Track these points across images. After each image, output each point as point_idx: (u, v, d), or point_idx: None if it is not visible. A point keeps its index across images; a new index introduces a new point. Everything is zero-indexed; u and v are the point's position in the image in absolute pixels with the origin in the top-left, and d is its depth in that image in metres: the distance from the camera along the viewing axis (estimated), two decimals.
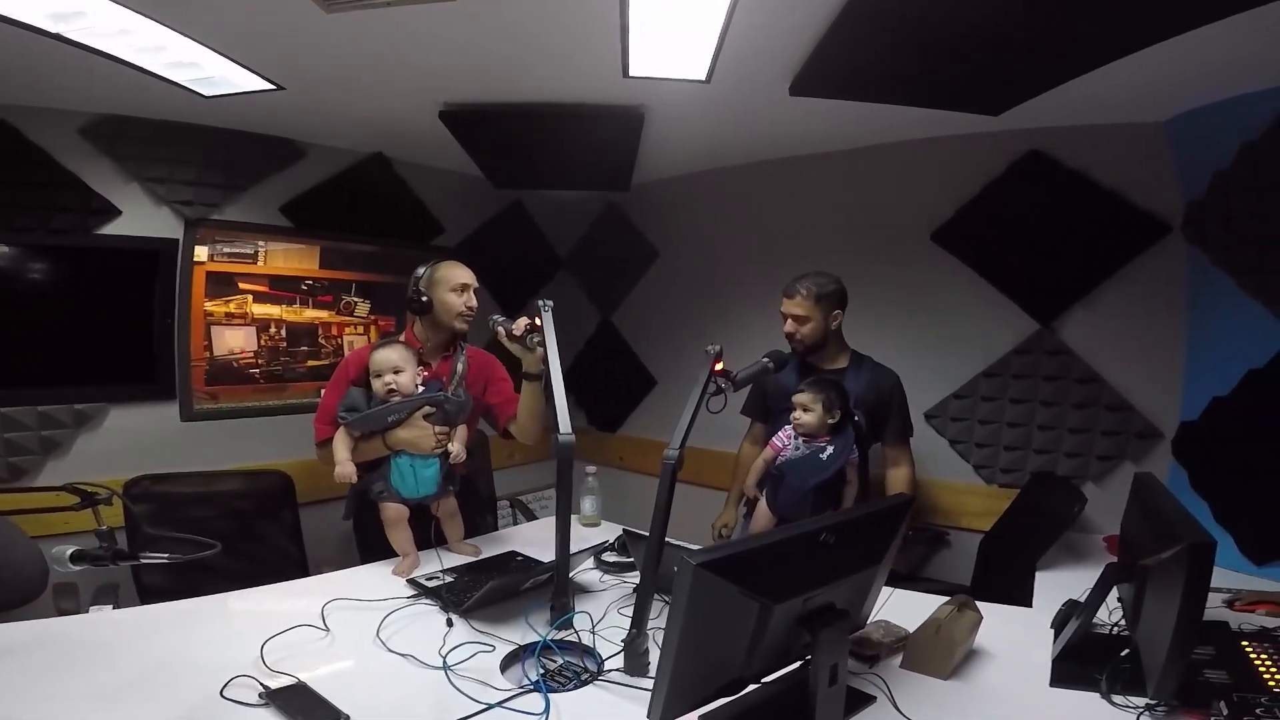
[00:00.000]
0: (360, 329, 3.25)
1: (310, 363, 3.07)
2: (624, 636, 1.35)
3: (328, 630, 1.44)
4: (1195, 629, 1.05)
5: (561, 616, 1.48)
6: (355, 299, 3.22)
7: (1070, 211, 2.47)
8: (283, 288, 2.97)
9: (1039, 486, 2.47)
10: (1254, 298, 2.01)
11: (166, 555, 1.33)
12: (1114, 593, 1.46)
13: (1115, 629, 1.47)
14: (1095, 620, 1.42)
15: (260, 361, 2.93)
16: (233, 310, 2.83)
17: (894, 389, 2.19)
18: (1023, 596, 1.86)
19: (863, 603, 1.34)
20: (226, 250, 2.80)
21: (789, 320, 2.14)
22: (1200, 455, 2.18)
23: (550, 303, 1.70)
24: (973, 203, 2.66)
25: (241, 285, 2.84)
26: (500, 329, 1.80)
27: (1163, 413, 2.35)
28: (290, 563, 2.32)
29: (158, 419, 2.63)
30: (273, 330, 2.95)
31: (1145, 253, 2.37)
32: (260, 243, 2.88)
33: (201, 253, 2.71)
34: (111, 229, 2.49)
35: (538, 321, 1.70)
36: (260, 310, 2.90)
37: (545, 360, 1.65)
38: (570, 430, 1.53)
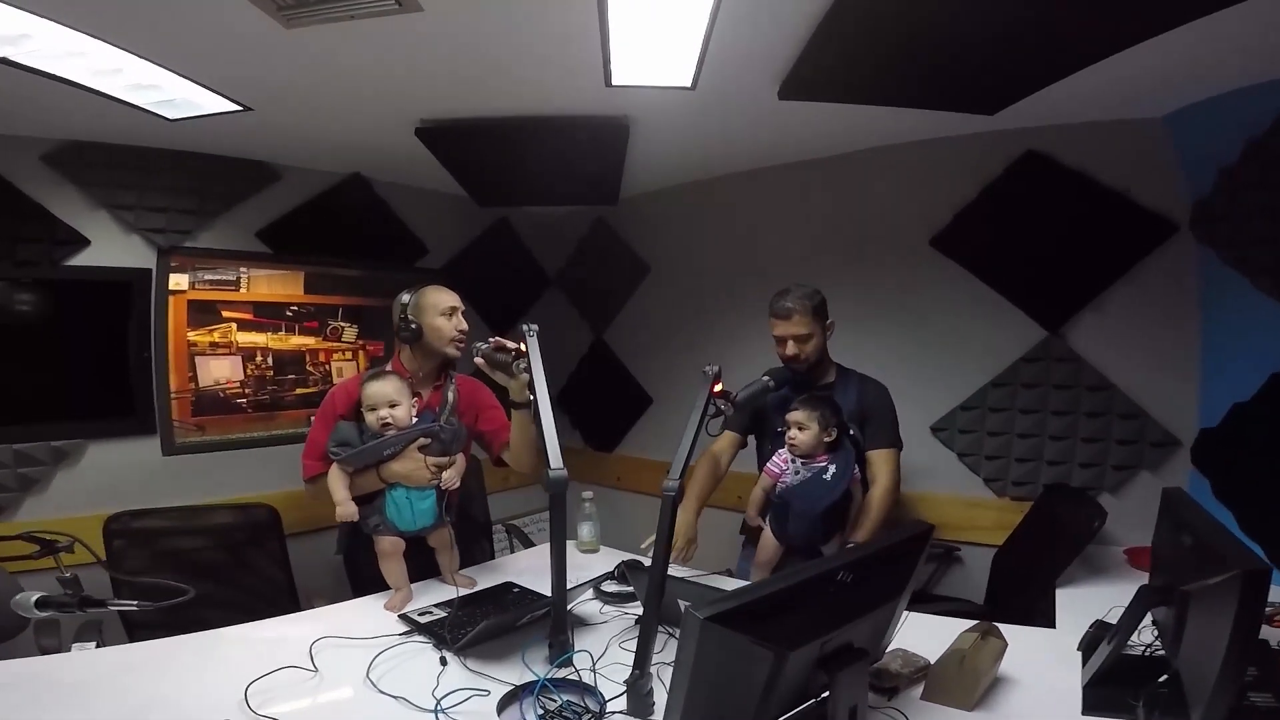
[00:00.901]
0: (349, 354, 3.21)
1: (299, 390, 3.02)
2: (627, 678, 1.26)
3: (316, 670, 1.38)
4: (1248, 658, 0.99)
5: (560, 656, 1.41)
6: (342, 324, 3.18)
7: (1072, 213, 2.40)
8: (267, 315, 2.93)
9: (1053, 498, 2.39)
10: (1272, 297, 1.94)
11: (136, 603, 1.30)
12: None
13: (1147, 651, 1.39)
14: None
15: (247, 391, 2.89)
16: (217, 340, 2.80)
17: (882, 398, 2.08)
18: (1044, 616, 1.79)
19: (882, 638, 1.27)
20: (208, 278, 2.75)
21: (789, 343, 2.00)
22: (1223, 463, 2.10)
23: (535, 327, 1.64)
24: (971, 206, 2.59)
25: (225, 313, 2.80)
26: (480, 359, 1.73)
27: (1180, 420, 2.28)
28: (280, 596, 2.26)
29: (139, 454, 2.57)
30: (259, 359, 2.92)
31: (1153, 253, 2.30)
32: (242, 269, 2.84)
33: (181, 281, 2.67)
34: (80, 260, 2.42)
35: (522, 347, 1.64)
36: (245, 338, 2.86)
37: (532, 387, 1.58)
38: (562, 465, 1.45)
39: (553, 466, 1.44)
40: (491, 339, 1.73)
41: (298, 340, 3.03)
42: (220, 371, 2.81)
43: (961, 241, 2.62)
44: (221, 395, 2.80)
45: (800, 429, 1.86)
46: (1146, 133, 2.26)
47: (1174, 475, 2.28)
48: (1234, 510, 2.01)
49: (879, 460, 2.01)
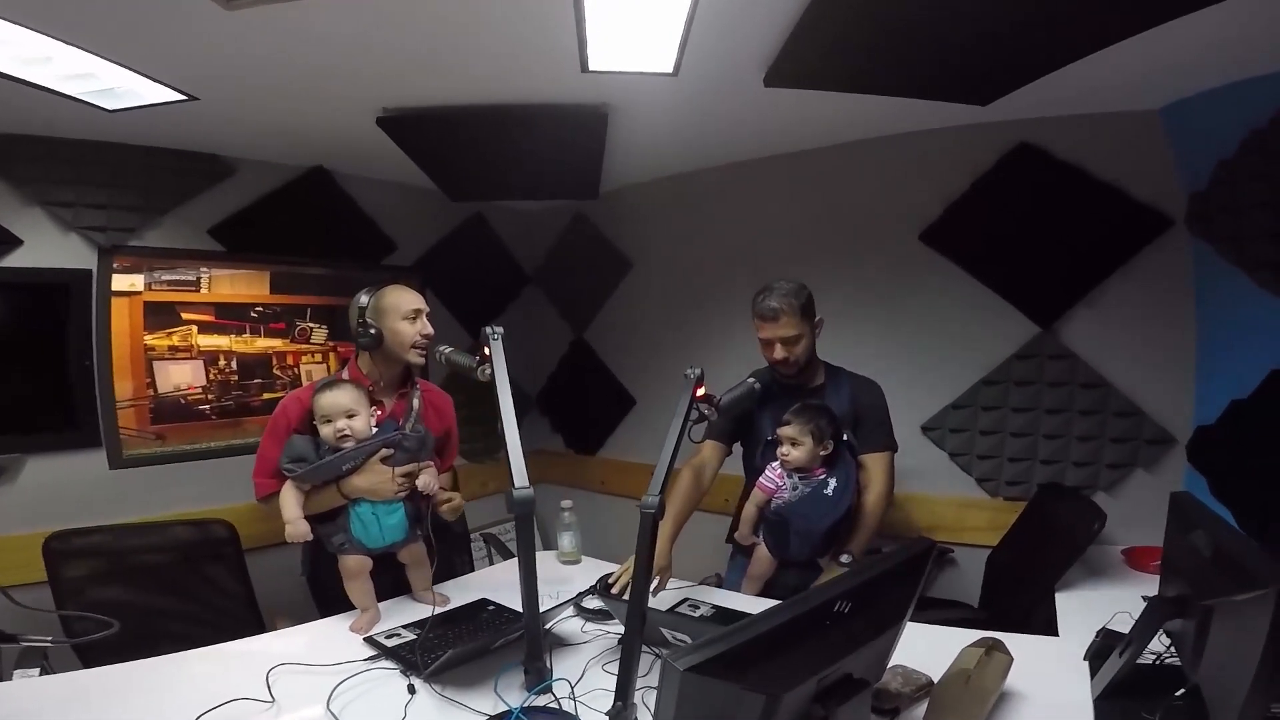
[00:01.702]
0: (318, 357, 3.09)
1: (265, 395, 2.90)
2: (609, 710, 1.18)
3: (273, 700, 1.29)
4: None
5: (537, 685, 1.31)
6: (311, 325, 3.06)
7: (1065, 206, 2.35)
8: (230, 316, 2.81)
9: (1048, 498, 2.34)
10: (1271, 292, 1.90)
11: (50, 639, 1.23)
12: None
13: (1158, 660, 1.35)
14: None
15: (210, 397, 2.77)
16: (176, 343, 2.68)
17: (875, 398, 1.99)
18: (1044, 622, 1.75)
19: (883, 663, 1.18)
20: (166, 278, 2.62)
21: (777, 346, 1.87)
22: (1220, 462, 2.06)
23: (500, 330, 1.54)
24: (962, 200, 2.53)
25: (185, 315, 2.68)
26: (441, 360, 1.66)
27: (1175, 417, 2.24)
28: (241, 617, 2.12)
29: (83, 468, 2.41)
30: (222, 363, 2.80)
31: (1148, 248, 2.25)
32: (204, 269, 2.71)
33: (136, 281, 2.54)
34: (12, 261, 2.24)
35: (486, 351, 1.54)
36: (207, 341, 2.75)
37: (494, 395, 1.47)
38: (527, 483, 1.35)
39: (517, 485, 1.34)
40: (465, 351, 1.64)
41: (264, 343, 2.91)
42: (181, 377, 2.69)
43: (952, 236, 2.56)
44: (183, 401, 2.68)
45: (794, 445, 1.75)
46: (1142, 125, 2.22)
47: (1170, 473, 2.25)
48: (1232, 509, 1.98)
49: (873, 464, 1.92)
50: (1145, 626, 1.26)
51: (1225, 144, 1.99)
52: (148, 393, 2.58)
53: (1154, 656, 1.34)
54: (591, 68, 1.93)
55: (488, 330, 1.55)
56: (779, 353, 1.87)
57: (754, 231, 3.05)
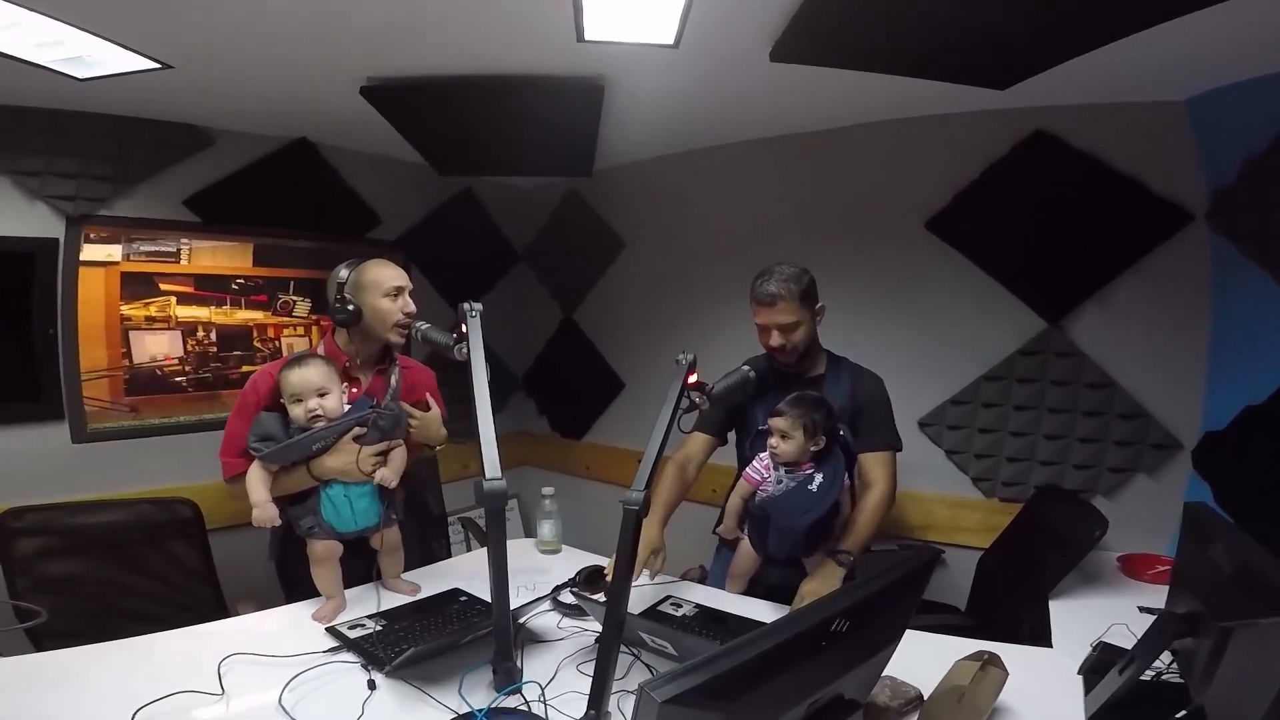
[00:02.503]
0: (300, 330, 3.06)
1: (245, 368, 2.87)
2: (581, 718, 1.11)
3: (222, 692, 1.22)
4: None
5: (506, 686, 1.24)
6: (294, 298, 3.02)
7: (1080, 198, 2.26)
8: (210, 288, 2.77)
9: (1045, 501, 2.28)
10: None
11: None
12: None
13: (1157, 676, 1.31)
14: None
15: (187, 368, 2.74)
16: (154, 314, 2.65)
17: (878, 393, 1.89)
18: (1036, 630, 1.69)
19: (875, 680, 1.13)
20: (144, 249, 2.59)
21: (774, 333, 1.79)
22: (1228, 469, 2.00)
23: (479, 307, 1.48)
24: (972, 187, 2.43)
25: (163, 286, 2.65)
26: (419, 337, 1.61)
27: (1182, 422, 2.17)
28: (202, 601, 2.05)
29: (45, 441, 2.33)
30: (200, 334, 2.77)
31: (1164, 244, 2.17)
32: (184, 240, 2.67)
33: (114, 252, 2.51)
34: None
35: (464, 329, 1.47)
36: (185, 312, 2.71)
37: (469, 375, 1.40)
38: (499, 474, 1.26)
39: (488, 476, 1.25)
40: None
41: (244, 315, 2.88)
42: (157, 347, 2.66)
43: (959, 224, 2.47)
44: (159, 373, 2.65)
45: (784, 437, 1.65)
46: (1165, 116, 2.13)
47: (1172, 479, 2.19)
48: (1239, 520, 1.90)
49: (875, 464, 1.83)
50: (1151, 644, 1.21)
51: (1253, 139, 1.90)
52: (123, 363, 2.53)
53: (1154, 673, 1.29)
54: (587, 37, 1.83)
55: (465, 306, 1.48)
56: (776, 340, 1.79)
57: (753, 214, 2.96)
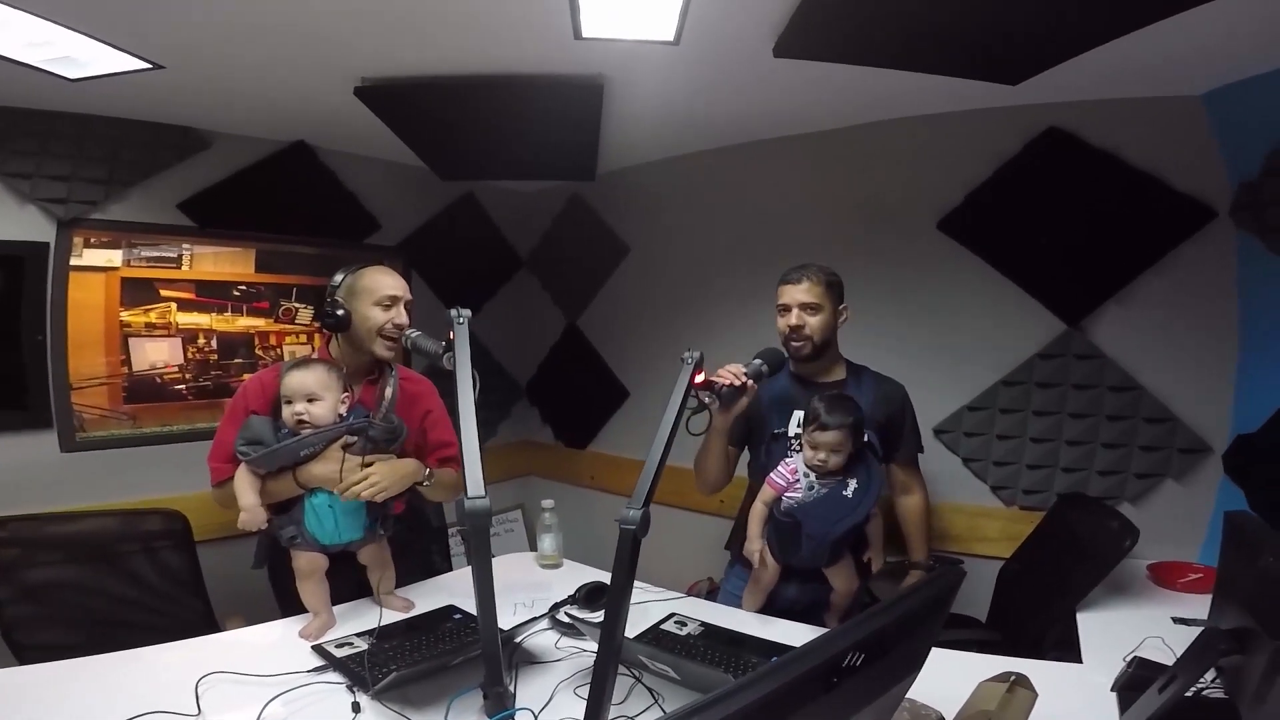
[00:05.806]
0: (303, 337, 3.02)
1: (246, 376, 2.80)
2: None
3: (198, 713, 1.18)
4: None
5: (497, 713, 1.17)
6: (296, 305, 2.98)
7: (1098, 195, 2.19)
8: (211, 294, 2.75)
9: (1069, 509, 2.18)
10: None
11: None
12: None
13: (1199, 692, 1.23)
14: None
15: (188, 376, 2.70)
16: (154, 320, 2.62)
17: (904, 402, 1.88)
18: (1064, 644, 1.63)
19: (893, 713, 1.03)
20: (145, 255, 2.56)
21: (794, 312, 1.77)
22: (1261, 473, 1.91)
23: (466, 313, 1.43)
24: (985, 186, 2.37)
25: (163, 292, 2.62)
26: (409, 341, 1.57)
27: (1211, 424, 2.09)
28: (190, 615, 2.00)
29: (32, 450, 2.29)
30: (201, 341, 2.74)
31: (1186, 241, 2.09)
32: (185, 246, 2.65)
33: (114, 258, 2.48)
34: None
35: (451, 336, 1.42)
36: (186, 319, 2.69)
37: (455, 386, 1.34)
38: (483, 491, 1.19)
39: (470, 494, 1.18)
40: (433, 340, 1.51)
41: (246, 322, 2.85)
42: (157, 354, 2.63)
43: (973, 224, 2.40)
44: (159, 381, 2.62)
45: (833, 452, 1.58)
46: (1183, 111, 2.07)
47: (1203, 484, 2.11)
48: (1275, 526, 1.80)
49: (908, 473, 1.92)
50: (1196, 661, 1.13)
51: (1276, 132, 1.85)
52: (121, 370, 2.50)
53: (1194, 689, 1.20)
54: (585, 34, 1.79)
55: (452, 312, 1.43)
56: (795, 319, 1.77)
57: (759, 217, 2.90)
